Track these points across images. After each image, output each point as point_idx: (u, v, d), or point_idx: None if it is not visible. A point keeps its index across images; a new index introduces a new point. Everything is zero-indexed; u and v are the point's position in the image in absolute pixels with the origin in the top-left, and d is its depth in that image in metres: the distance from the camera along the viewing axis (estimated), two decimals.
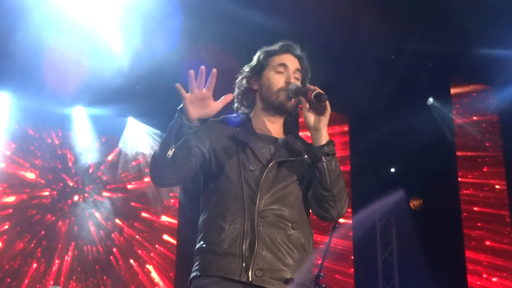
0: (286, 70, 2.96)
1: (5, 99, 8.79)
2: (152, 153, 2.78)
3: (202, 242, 2.76)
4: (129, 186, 9.84)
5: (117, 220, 9.56)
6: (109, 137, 9.81)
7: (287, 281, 2.65)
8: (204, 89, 2.62)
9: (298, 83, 2.90)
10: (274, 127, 2.99)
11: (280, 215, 2.72)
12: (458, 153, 8.88)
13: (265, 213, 2.69)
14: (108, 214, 9.46)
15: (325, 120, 2.75)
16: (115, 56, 7.69)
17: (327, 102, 2.70)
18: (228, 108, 3.03)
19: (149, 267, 9.53)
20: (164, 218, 9.81)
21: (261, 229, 2.66)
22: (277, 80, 2.94)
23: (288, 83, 2.91)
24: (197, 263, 2.75)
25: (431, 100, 8.96)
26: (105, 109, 9.24)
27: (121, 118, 9.66)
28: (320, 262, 5.13)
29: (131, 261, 9.45)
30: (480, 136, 8.83)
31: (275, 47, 3.05)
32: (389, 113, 8.76)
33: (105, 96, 8.52)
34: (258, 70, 3.02)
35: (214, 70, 2.62)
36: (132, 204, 9.79)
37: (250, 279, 2.59)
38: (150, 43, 7.42)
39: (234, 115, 3.05)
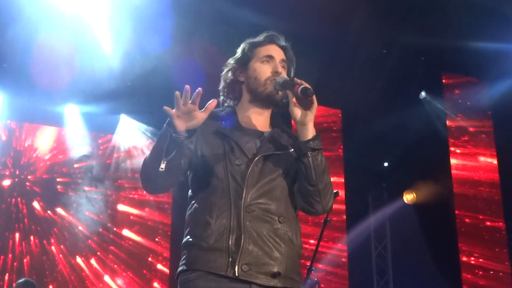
0: (272, 61, 2.93)
1: None
2: (143, 162, 2.76)
3: (188, 237, 2.75)
4: (121, 183, 9.83)
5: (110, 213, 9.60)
6: (101, 135, 9.79)
7: (274, 275, 2.64)
8: (190, 102, 2.58)
9: (285, 76, 2.87)
10: (261, 119, 2.96)
11: (267, 209, 2.71)
12: (451, 146, 8.89)
13: (251, 207, 2.68)
14: (102, 210, 9.47)
15: (311, 114, 2.72)
16: (107, 54, 7.67)
17: (314, 97, 2.67)
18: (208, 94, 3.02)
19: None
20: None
21: (247, 224, 2.65)
22: (264, 71, 2.91)
23: (275, 72, 2.88)
24: (183, 257, 2.74)
25: (423, 94, 8.96)
26: (97, 107, 9.22)
27: (113, 116, 9.64)
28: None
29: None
30: (473, 129, 8.85)
31: (260, 38, 3.02)
32: (382, 108, 8.76)
33: (97, 93, 8.49)
34: (244, 62, 2.98)
35: (200, 89, 2.59)
36: (125, 199, 9.81)
37: (237, 274, 2.58)
38: (142, 41, 7.40)
39: (220, 109, 3.00)
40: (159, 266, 9.62)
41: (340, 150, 9.49)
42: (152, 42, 7.39)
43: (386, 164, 9.93)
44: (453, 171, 8.78)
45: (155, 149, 2.69)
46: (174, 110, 2.61)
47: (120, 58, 7.75)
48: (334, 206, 5.04)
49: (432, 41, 7.61)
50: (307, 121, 2.73)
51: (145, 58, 7.71)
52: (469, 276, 8.36)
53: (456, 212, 8.60)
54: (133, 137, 9.77)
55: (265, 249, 2.65)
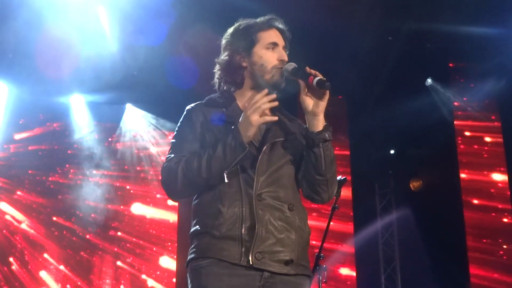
0: (277, 48, 2.90)
1: (3, 88, 8.76)
2: (185, 169, 2.70)
3: (198, 226, 2.74)
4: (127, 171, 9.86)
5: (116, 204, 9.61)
6: (107, 124, 9.80)
7: (286, 262, 2.66)
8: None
9: (293, 63, 2.84)
10: None
11: (277, 197, 2.72)
12: (457, 133, 8.86)
13: (262, 195, 2.69)
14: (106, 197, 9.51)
15: (323, 104, 2.73)
16: (112, 44, 7.67)
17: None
18: (211, 82, 3.01)
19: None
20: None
21: (260, 212, 2.65)
22: (270, 58, 2.88)
23: (281, 61, 2.86)
24: (193, 245, 2.74)
25: (429, 81, 8.92)
26: (103, 96, 9.22)
27: (119, 105, 9.64)
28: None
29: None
30: (479, 116, 8.81)
31: (261, 21, 2.96)
32: (388, 95, 8.73)
33: (103, 83, 8.49)
34: (247, 46, 2.92)
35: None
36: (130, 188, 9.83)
37: (251, 263, 2.59)
38: (147, 30, 7.38)
39: (217, 95, 2.97)
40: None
41: (346, 138, 9.48)
42: (157, 32, 7.37)
43: (392, 151, 9.91)
44: (459, 157, 8.76)
45: (216, 158, 2.64)
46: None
47: (126, 47, 7.74)
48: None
49: (438, 27, 7.56)
50: (319, 111, 2.73)
51: (150, 47, 7.70)
52: (475, 258, 8.36)
53: (463, 198, 8.58)
54: (139, 126, 9.77)
55: (278, 237, 2.67)
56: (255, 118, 2.61)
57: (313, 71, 2.68)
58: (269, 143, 2.77)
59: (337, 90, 9.10)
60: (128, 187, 9.79)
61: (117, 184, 9.68)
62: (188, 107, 2.94)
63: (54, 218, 9.30)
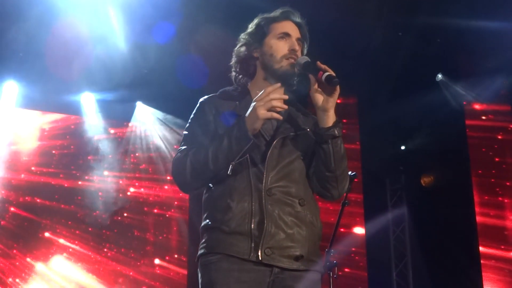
0: (289, 38, 2.90)
1: (13, 87, 8.79)
2: (192, 160, 2.72)
3: (208, 220, 2.76)
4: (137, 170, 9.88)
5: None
6: (118, 122, 9.83)
7: (296, 258, 2.66)
8: None
9: (306, 56, 2.83)
10: None
11: (287, 192, 2.72)
12: (468, 128, 8.82)
13: (272, 190, 2.69)
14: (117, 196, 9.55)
15: (333, 101, 2.72)
16: (123, 41, 7.68)
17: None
18: (221, 81, 3.01)
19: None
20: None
21: (269, 207, 2.66)
22: (281, 47, 2.88)
23: (292, 50, 2.86)
24: (204, 241, 2.76)
25: (440, 76, 8.88)
26: (113, 95, 9.24)
27: (129, 103, 9.66)
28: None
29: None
30: (491, 110, 8.77)
31: (276, 13, 2.98)
32: (398, 91, 8.70)
33: (113, 81, 8.51)
34: (259, 37, 2.95)
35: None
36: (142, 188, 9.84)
37: (260, 258, 2.60)
38: (158, 28, 7.39)
39: (232, 87, 3.00)
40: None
41: (356, 134, 9.46)
42: (166, 30, 7.38)
43: (403, 147, 9.88)
44: (471, 153, 8.72)
45: (222, 149, 2.65)
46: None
47: (136, 46, 7.75)
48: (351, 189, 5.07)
49: (448, 22, 7.53)
50: (329, 107, 2.72)
51: (161, 46, 7.70)
52: (487, 254, 8.33)
53: (474, 194, 8.55)
54: (149, 124, 9.79)
55: (288, 232, 2.67)
56: (262, 112, 2.59)
57: (322, 66, 2.67)
58: (280, 137, 2.77)
59: (347, 86, 9.09)
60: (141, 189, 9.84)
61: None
62: (201, 99, 2.96)
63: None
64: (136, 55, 7.90)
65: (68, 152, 9.55)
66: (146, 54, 7.90)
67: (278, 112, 2.68)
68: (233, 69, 3.05)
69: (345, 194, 4.96)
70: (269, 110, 2.60)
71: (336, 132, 2.71)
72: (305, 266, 2.69)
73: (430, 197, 9.23)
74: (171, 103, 9.23)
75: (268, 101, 2.60)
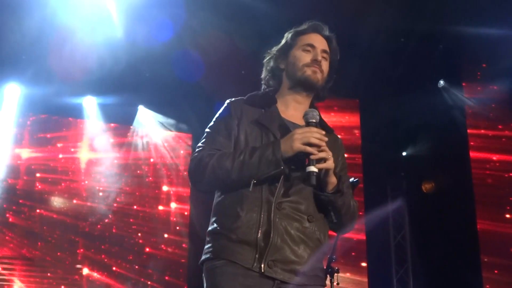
0: (313, 50, 2.94)
1: (15, 90, 8.80)
2: (216, 163, 2.73)
3: (216, 225, 2.77)
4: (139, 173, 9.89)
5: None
6: (119, 126, 9.83)
7: (298, 273, 2.66)
8: None
9: (316, 113, 2.78)
10: (300, 108, 2.94)
11: (297, 208, 2.72)
12: (470, 135, 8.80)
13: (282, 205, 2.69)
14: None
15: (327, 176, 2.73)
16: (125, 45, 7.68)
17: (329, 161, 2.66)
18: (248, 87, 3.02)
19: None
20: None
21: (277, 221, 2.66)
22: (304, 57, 2.92)
23: (314, 60, 2.90)
24: (209, 246, 2.76)
25: (442, 82, 8.89)
26: (115, 98, 9.24)
27: (131, 107, 9.66)
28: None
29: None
30: (492, 117, 8.76)
31: (304, 26, 3.03)
32: (400, 96, 8.71)
33: (115, 85, 8.53)
34: (286, 49, 3.01)
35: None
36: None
37: (262, 270, 2.60)
38: (160, 32, 7.40)
39: (260, 93, 3.02)
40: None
41: (358, 140, 9.46)
42: (170, 33, 7.39)
43: (404, 153, 9.88)
44: (472, 160, 8.71)
45: (250, 165, 2.67)
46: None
47: (138, 49, 7.76)
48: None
49: (450, 28, 7.54)
50: (326, 180, 2.74)
51: (163, 49, 7.71)
52: (488, 261, 8.30)
53: (475, 200, 8.53)
54: (151, 128, 9.80)
55: (293, 247, 2.67)
56: (298, 145, 2.63)
57: (314, 156, 2.64)
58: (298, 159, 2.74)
59: (350, 92, 9.12)
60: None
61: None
62: (228, 100, 2.98)
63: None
64: (138, 58, 7.91)
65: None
66: (148, 58, 7.91)
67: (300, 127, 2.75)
68: (262, 82, 3.11)
69: None
70: (305, 144, 2.63)
71: (333, 197, 2.74)
72: (306, 281, 2.68)
73: (431, 203, 9.22)
74: (172, 106, 9.23)
75: (308, 136, 2.64)
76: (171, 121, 9.69)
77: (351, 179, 4.85)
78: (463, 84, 8.78)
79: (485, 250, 8.32)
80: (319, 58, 2.91)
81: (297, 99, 2.95)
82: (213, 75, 7.19)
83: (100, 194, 9.47)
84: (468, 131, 8.78)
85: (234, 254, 2.64)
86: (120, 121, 9.78)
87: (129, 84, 8.48)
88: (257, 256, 2.62)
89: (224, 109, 2.95)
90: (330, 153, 2.67)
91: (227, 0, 6.78)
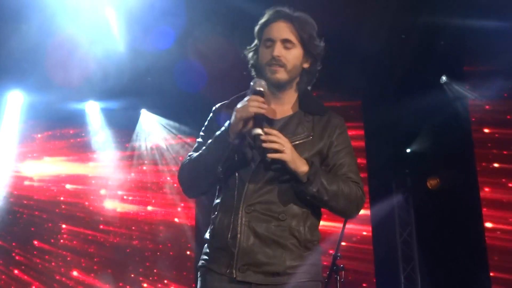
0: (272, 44, 2.83)
1: (18, 97, 8.80)
2: (190, 163, 2.81)
3: (207, 233, 2.83)
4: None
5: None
6: (122, 130, 9.84)
7: (273, 274, 2.65)
8: None
9: (264, 83, 2.75)
10: (280, 102, 2.89)
11: (268, 208, 2.69)
12: (474, 130, 8.78)
13: (251, 207, 2.67)
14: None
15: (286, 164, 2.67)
16: (126, 50, 7.68)
17: (283, 155, 2.62)
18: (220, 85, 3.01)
19: None
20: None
21: (245, 224, 2.65)
22: (265, 54, 2.84)
23: (272, 57, 2.79)
24: (202, 253, 2.83)
25: (444, 78, 8.87)
26: (117, 103, 9.25)
27: (134, 111, 9.67)
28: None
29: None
30: (496, 112, 8.74)
31: (265, 17, 2.92)
32: (403, 93, 8.69)
33: (117, 89, 8.53)
34: (256, 48, 2.95)
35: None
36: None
37: (235, 276, 2.62)
38: (161, 35, 7.39)
39: (241, 94, 2.94)
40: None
41: (362, 136, 9.46)
42: (171, 36, 7.39)
43: (408, 150, 9.86)
44: (476, 155, 8.69)
45: (209, 152, 2.70)
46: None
47: (140, 53, 7.76)
48: None
49: (452, 24, 7.51)
50: (292, 172, 2.68)
51: (165, 53, 7.71)
52: (495, 258, 8.28)
53: (481, 195, 8.52)
54: (154, 131, 9.80)
55: (264, 249, 2.65)
56: (239, 116, 2.61)
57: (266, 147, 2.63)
58: (265, 154, 2.69)
59: (353, 89, 9.11)
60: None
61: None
62: (213, 108, 3.00)
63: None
64: (139, 63, 7.90)
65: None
66: (149, 62, 7.91)
67: (277, 123, 2.78)
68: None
69: None
70: (247, 114, 2.60)
71: (305, 189, 2.67)
72: (283, 281, 2.65)
73: (436, 199, 9.20)
74: (175, 110, 9.23)
75: (246, 106, 2.60)
76: (174, 124, 9.68)
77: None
78: (466, 79, 8.75)
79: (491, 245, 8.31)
80: (276, 53, 2.79)
81: (275, 94, 2.87)
82: (216, 81, 7.19)
83: (105, 197, 9.49)
84: (472, 126, 8.77)
85: (212, 261, 2.71)
86: (123, 126, 9.78)
87: (131, 88, 8.48)
88: (231, 262, 2.64)
89: (209, 117, 2.99)
90: (286, 145, 2.62)
91: (230, 5, 6.79)
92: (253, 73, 2.96)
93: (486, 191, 8.54)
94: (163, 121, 9.74)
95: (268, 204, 2.68)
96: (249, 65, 2.99)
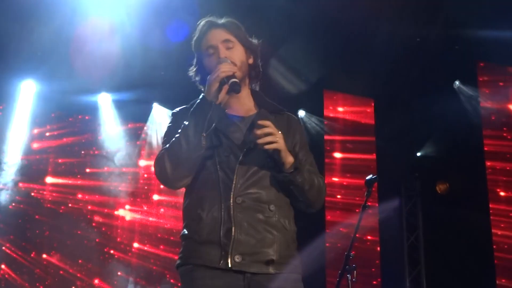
0: (215, 50, 2.89)
1: (31, 86, 8.83)
2: (167, 153, 2.78)
3: (184, 230, 2.83)
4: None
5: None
6: (134, 123, 9.86)
7: (267, 262, 2.69)
8: None
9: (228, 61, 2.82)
10: (241, 102, 2.95)
11: (257, 198, 2.73)
12: (485, 136, 8.76)
13: (241, 198, 2.71)
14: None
15: (279, 153, 2.73)
16: (140, 43, 7.69)
17: (275, 144, 2.68)
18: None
19: None
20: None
21: (238, 215, 2.69)
22: (210, 63, 2.87)
23: (219, 59, 2.83)
24: (181, 250, 2.82)
25: (457, 83, 8.86)
26: (130, 95, 9.25)
27: (146, 104, 9.68)
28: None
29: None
30: (507, 118, 8.72)
31: (197, 31, 2.98)
32: (415, 97, 8.69)
33: (130, 82, 8.54)
34: (198, 65, 3.01)
35: None
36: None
37: (230, 266, 2.64)
38: (174, 29, 7.40)
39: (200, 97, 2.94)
40: None
41: (373, 140, 9.45)
42: (184, 30, 7.39)
43: (419, 154, 9.85)
44: (487, 160, 8.67)
45: (190, 125, 2.72)
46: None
47: (153, 47, 7.76)
48: None
49: (467, 30, 7.51)
50: (281, 161, 2.75)
51: (177, 46, 7.71)
52: (504, 264, 8.27)
53: (490, 201, 8.50)
54: (165, 125, 9.80)
55: (258, 238, 2.69)
56: (213, 78, 2.70)
57: (260, 142, 2.68)
58: (249, 145, 2.76)
59: (365, 91, 9.10)
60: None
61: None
62: (173, 111, 3.15)
63: None
64: (152, 56, 7.91)
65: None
66: (162, 55, 7.91)
67: (247, 120, 2.85)
68: None
69: (365, 198, 5.03)
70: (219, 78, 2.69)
71: (293, 177, 2.74)
72: (277, 270, 2.70)
73: (445, 204, 9.19)
74: (187, 104, 9.23)
75: (217, 73, 2.69)
76: None
77: (369, 176, 4.90)
78: (479, 85, 8.74)
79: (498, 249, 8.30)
80: (222, 55, 2.85)
81: (234, 96, 2.86)
82: None
83: (114, 191, 9.51)
84: (483, 131, 8.75)
85: (201, 256, 2.69)
86: (135, 118, 9.80)
87: (144, 81, 8.48)
88: (223, 253, 2.65)
89: (171, 120, 3.08)
90: (278, 135, 2.69)
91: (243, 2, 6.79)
92: (203, 88, 2.94)
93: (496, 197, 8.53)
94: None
95: (256, 195, 2.74)
96: (197, 84, 3.05)
